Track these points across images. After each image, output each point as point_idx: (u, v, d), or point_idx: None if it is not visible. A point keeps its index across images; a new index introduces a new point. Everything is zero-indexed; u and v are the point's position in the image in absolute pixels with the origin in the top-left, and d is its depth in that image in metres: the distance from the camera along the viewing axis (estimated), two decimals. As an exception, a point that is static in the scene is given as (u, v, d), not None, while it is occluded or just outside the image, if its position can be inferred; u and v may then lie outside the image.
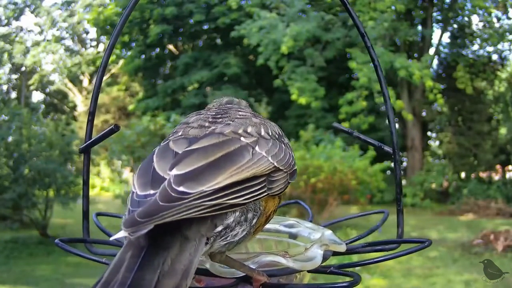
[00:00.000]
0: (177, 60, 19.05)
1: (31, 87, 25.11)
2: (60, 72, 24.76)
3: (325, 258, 0.60)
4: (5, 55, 23.81)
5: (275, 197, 0.60)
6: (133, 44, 19.45)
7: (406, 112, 14.03)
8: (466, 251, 7.02)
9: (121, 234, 0.50)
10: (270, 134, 0.63)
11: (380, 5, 13.41)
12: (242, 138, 0.59)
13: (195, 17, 17.68)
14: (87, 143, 0.79)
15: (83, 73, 25.16)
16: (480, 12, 14.87)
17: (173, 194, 0.49)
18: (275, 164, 0.59)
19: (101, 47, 25.79)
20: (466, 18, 16.16)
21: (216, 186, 0.51)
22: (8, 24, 24.98)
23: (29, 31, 26.79)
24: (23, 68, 24.71)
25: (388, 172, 12.82)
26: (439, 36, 17.71)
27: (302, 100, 13.61)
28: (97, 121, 20.83)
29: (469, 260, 6.45)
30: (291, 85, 14.08)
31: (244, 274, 0.57)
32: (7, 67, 24.65)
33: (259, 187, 0.56)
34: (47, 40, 24.68)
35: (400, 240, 0.70)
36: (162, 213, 0.47)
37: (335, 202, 8.73)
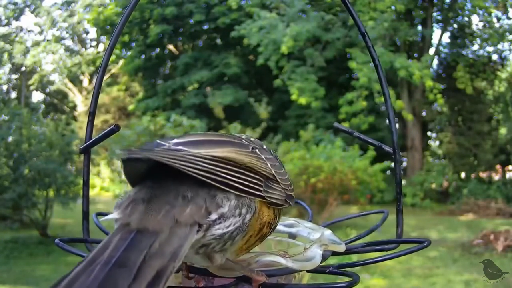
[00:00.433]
0: (177, 60, 19.05)
1: (31, 87, 25.12)
2: (60, 72, 24.77)
3: (324, 258, 0.60)
4: (5, 55, 23.81)
5: (270, 207, 0.59)
6: (133, 44, 19.45)
7: (406, 112, 14.04)
8: (466, 251, 7.02)
9: (112, 216, 0.50)
10: (272, 152, 0.65)
11: (380, 5, 13.41)
12: (243, 140, 0.61)
13: (195, 17, 17.68)
14: (87, 143, 0.79)
15: (83, 73, 25.17)
16: (480, 12, 14.87)
17: (172, 148, 0.53)
18: (273, 172, 0.59)
19: (101, 47, 25.81)
20: (466, 18, 16.17)
21: (213, 153, 0.52)
22: (8, 24, 25.00)
23: (29, 31, 26.78)
24: (23, 68, 24.72)
25: (388, 172, 12.82)
26: (439, 36, 17.72)
27: (302, 100, 13.62)
28: (97, 121, 20.82)
29: (469, 260, 6.44)
30: (291, 85, 14.09)
31: (242, 274, 0.57)
32: (7, 67, 24.67)
33: (255, 181, 0.56)
34: (47, 40, 24.69)
35: (399, 240, 0.70)
36: (158, 153, 0.49)
37: (335, 202, 8.74)
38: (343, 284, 0.52)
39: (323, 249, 0.60)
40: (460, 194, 13.70)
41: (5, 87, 24.84)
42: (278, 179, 0.60)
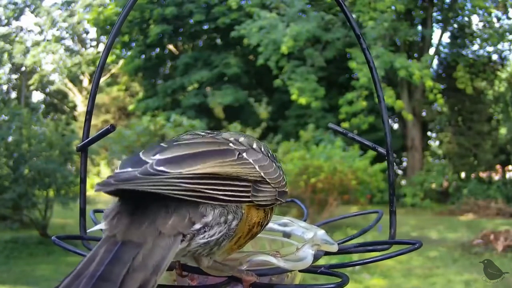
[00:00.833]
0: (177, 60, 19.05)
1: (31, 87, 25.12)
2: (60, 72, 24.77)
3: (316, 258, 0.60)
4: (5, 55, 23.81)
5: (259, 209, 0.59)
6: (133, 44, 19.45)
7: (406, 112, 14.02)
8: (466, 251, 7.02)
9: (99, 226, 0.51)
10: (262, 150, 0.64)
11: (380, 5, 13.40)
12: (231, 144, 0.60)
13: (195, 17, 17.68)
14: (84, 142, 0.80)
15: (83, 73, 25.16)
16: (480, 12, 14.86)
17: (151, 171, 0.51)
18: (262, 174, 0.59)
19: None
20: (466, 18, 16.16)
21: (196, 171, 0.52)
22: (8, 24, 24.99)
23: (29, 31, 26.80)
24: (23, 68, 24.72)
25: (388, 172, 12.78)
26: (439, 36, 17.71)
27: (302, 100, 13.61)
28: (97, 121, 20.95)
29: (469, 260, 6.45)
30: (291, 85, 14.08)
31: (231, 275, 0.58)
32: (7, 67, 24.66)
33: (242, 189, 0.56)
34: (47, 40, 24.69)
35: (391, 241, 0.70)
36: (138, 181, 0.48)
37: (335, 202, 8.74)
38: (332, 285, 0.53)
39: (316, 249, 0.60)
40: (460, 194, 13.70)
41: (5, 87, 24.86)
42: (267, 180, 0.60)
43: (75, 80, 25.62)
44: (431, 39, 15.98)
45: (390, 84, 14.53)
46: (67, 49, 25.35)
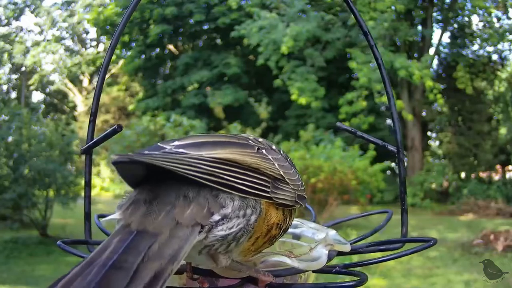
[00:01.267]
0: (177, 60, 19.05)
1: (31, 87, 25.11)
2: (60, 72, 24.77)
3: (329, 258, 0.60)
4: (5, 55, 23.81)
5: (279, 209, 0.58)
6: (133, 44, 19.44)
7: (406, 112, 14.03)
8: (466, 251, 7.01)
9: (113, 216, 0.50)
10: (281, 153, 0.63)
11: (380, 5, 13.41)
12: (249, 141, 0.60)
13: (195, 17, 17.68)
14: (89, 144, 0.78)
15: (83, 73, 25.16)
16: (480, 12, 14.87)
17: (171, 151, 0.51)
18: (281, 172, 0.58)
19: (101, 47, 25.81)
20: (466, 18, 16.18)
21: (215, 155, 0.51)
22: (8, 24, 24.99)
23: (29, 31, 26.82)
24: (23, 68, 24.71)
25: (388, 172, 12.82)
26: (439, 36, 17.73)
27: (302, 100, 13.61)
28: (98, 121, 20.75)
29: (469, 260, 6.44)
30: (291, 85, 14.08)
31: (248, 275, 0.57)
32: (7, 67, 24.66)
33: (261, 182, 0.54)
34: (47, 40, 24.69)
35: (404, 239, 0.69)
36: (155, 157, 0.47)
37: (335, 202, 8.73)
38: (351, 283, 0.52)
39: (329, 249, 0.59)
40: (460, 194, 13.70)
41: (5, 87, 24.86)
42: (287, 180, 0.59)
43: (75, 80, 25.61)
44: (431, 39, 16.00)
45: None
46: (67, 49, 25.35)
